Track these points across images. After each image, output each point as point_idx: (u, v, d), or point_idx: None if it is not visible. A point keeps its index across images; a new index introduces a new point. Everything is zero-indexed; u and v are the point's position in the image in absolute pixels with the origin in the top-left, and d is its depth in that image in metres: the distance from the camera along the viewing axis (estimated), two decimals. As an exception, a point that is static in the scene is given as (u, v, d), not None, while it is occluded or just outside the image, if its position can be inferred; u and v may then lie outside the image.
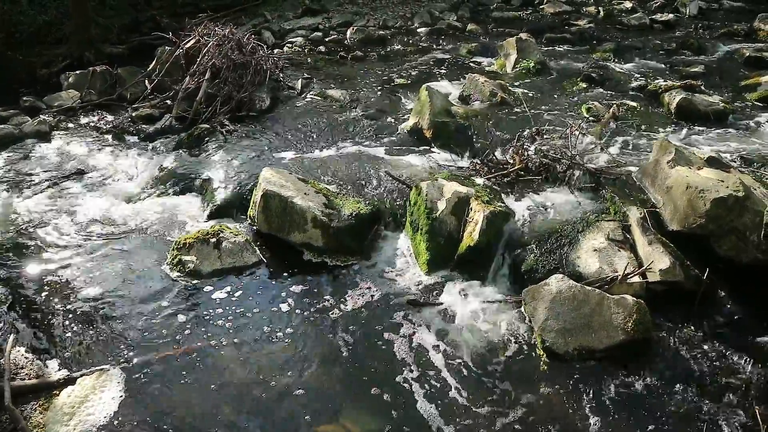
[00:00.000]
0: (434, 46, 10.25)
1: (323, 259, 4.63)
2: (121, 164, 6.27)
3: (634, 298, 3.70)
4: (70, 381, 3.46)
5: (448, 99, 6.60)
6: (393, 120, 6.75)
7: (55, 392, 3.39)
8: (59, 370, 3.56)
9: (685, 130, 6.19)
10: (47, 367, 3.58)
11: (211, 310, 4.10)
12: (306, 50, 9.98)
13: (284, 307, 4.15)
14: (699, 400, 3.36)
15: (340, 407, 3.37)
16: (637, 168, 5.02)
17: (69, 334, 3.87)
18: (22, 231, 5.03)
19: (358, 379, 3.55)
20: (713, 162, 4.52)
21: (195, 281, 4.39)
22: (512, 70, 8.37)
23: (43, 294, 4.25)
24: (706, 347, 3.68)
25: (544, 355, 3.67)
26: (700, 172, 4.30)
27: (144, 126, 7.04)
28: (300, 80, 8.06)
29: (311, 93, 7.69)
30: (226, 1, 12.31)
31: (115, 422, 3.23)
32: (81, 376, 3.49)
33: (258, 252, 4.68)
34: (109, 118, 7.38)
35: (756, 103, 6.98)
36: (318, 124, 6.70)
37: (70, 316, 4.04)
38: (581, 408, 3.33)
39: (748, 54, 8.80)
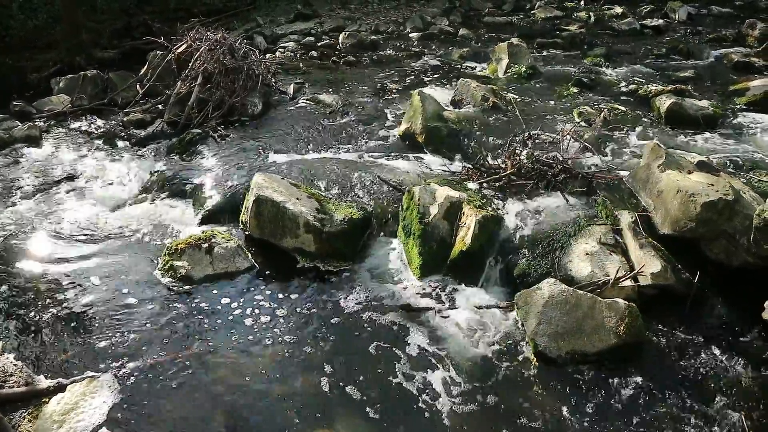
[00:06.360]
0: (426, 51, 10.28)
1: (315, 265, 4.62)
2: (112, 169, 6.23)
3: (626, 302, 3.71)
4: (59, 388, 3.42)
5: (440, 104, 6.61)
6: (385, 125, 6.76)
7: (44, 400, 3.35)
8: (49, 377, 3.52)
9: (675, 134, 6.24)
10: (37, 374, 3.54)
11: (202, 316, 4.08)
12: (298, 55, 9.98)
13: (276, 312, 4.13)
14: (690, 403, 3.37)
15: (334, 412, 3.35)
16: (628, 172, 5.05)
17: (59, 341, 3.84)
18: (10, 237, 4.98)
19: (351, 384, 3.54)
20: (703, 166, 4.55)
21: (186, 287, 4.36)
22: (504, 75, 8.41)
23: (33, 300, 4.21)
24: (697, 350, 3.70)
25: (537, 360, 3.67)
26: (691, 176, 4.33)
27: (135, 131, 7.01)
28: (292, 85, 8.06)
29: (303, 98, 7.70)
30: (219, 5, 12.30)
31: (106, 430, 3.19)
32: (71, 383, 3.45)
33: (250, 257, 4.67)
34: (100, 123, 7.34)
35: (744, 107, 7.05)
36: (310, 129, 6.70)
37: (60, 322, 4.00)
38: (573, 412, 3.34)
39: (736, 59, 8.89)
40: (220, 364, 3.66)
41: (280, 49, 10.30)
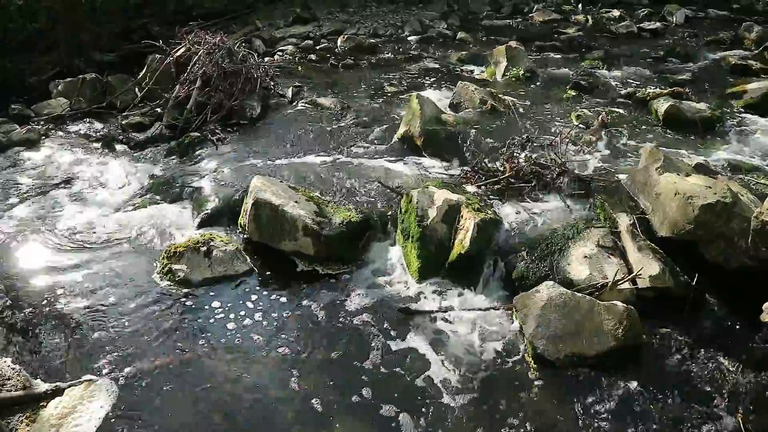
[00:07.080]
0: (424, 55, 10.30)
1: (314, 268, 4.62)
2: (110, 173, 6.22)
3: (625, 305, 3.71)
4: (57, 392, 3.40)
5: (438, 107, 6.62)
6: (384, 128, 6.76)
7: (42, 403, 3.34)
8: (47, 380, 3.51)
9: (673, 137, 6.25)
10: (34, 377, 3.52)
11: (201, 320, 4.07)
12: (297, 58, 10.00)
13: (275, 316, 4.12)
14: (689, 405, 3.37)
15: (333, 416, 3.35)
16: (626, 175, 5.06)
17: (57, 344, 3.83)
18: (9, 240, 4.97)
19: (350, 387, 3.53)
20: (701, 168, 4.57)
21: (185, 290, 4.36)
22: (502, 78, 8.43)
23: (31, 304, 4.20)
24: (695, 353, 3.70)
25: (535, 362, 3.67)
26: (689, 178, 4.34)
27: (134, 134, 7.00)
28: (290, 88, 8.07)
29: (302, 101, 7.70)
30: (217, 9, 12.31)
31: (104, 434, 3.19)
32: (69, 386, 3.44)
33: (248, 261, 4.66)
34: (99, 126, 7.33)
35: (742, 109, 7.07)
36: (309, 133, 6.71)
37: (58, 325, 3.99)
38: (572, 415, 3.34)
39: (734, 62, 8.92)
40: (219, 368, 3.66)
41: (278, 53, 10.31)
